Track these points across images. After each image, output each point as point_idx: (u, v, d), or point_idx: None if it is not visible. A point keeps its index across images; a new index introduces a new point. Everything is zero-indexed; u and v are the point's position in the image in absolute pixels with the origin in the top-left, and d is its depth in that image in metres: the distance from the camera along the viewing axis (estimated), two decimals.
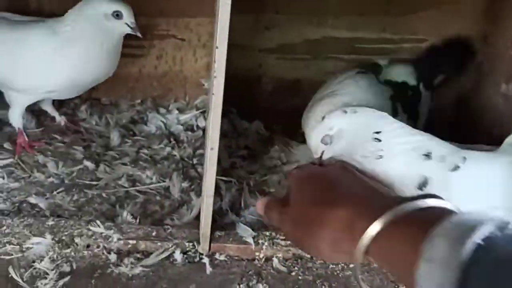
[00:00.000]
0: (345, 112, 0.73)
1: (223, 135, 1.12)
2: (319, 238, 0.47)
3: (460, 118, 1.23)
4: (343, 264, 0.80)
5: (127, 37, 0.98)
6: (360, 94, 0.90)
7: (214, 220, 0.86)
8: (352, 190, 0.50)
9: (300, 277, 0.77)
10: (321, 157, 0.73)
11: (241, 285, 0.74)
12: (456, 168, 0.69)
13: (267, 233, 0.82)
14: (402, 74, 1.01)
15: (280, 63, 1.21)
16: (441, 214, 0.38)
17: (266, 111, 1.18)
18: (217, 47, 0.64)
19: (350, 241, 0.43)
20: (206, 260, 0.77)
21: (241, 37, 1.16)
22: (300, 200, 0.51)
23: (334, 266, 0.80)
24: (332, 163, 0.62)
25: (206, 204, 0.75)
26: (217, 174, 0.98)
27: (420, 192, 0.69)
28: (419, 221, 0.39)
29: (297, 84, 1.22)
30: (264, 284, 0.75)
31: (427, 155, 0.69)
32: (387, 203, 0.43)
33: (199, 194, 0.89)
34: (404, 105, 0.95)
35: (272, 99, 1.21)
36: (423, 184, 0.69)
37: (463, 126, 1.19)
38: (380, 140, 0.70)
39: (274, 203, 0.56)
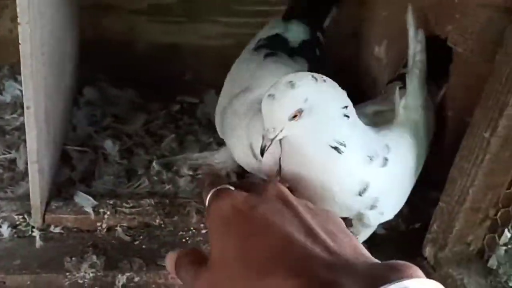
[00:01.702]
0: (315, 79, 0.57)
1: (87, 103, 1.05)
2: None
3: (343, 83, 1.22)
4: (194, 230, 0.76)
5: None
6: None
7: (59, 192, 0.80)
8: (301, 245, 0.32)
9: (144, 246, 0.72)
10: (264, 147, 0.57)
11: (73, 258, 0.67)
12: (385, 162, 0.64)
13: (111, 202, 0.75)
14: (300, 32, 0.91)
15: (153, 26, 1.13)
16: None
17: (140, 78, 1.11)
18: None
19: None
20: (36, 233, 0.70)
21: None
22: (221, 260, 0.35)
23: (183, 233, 0.75)
24: (263, 188, 0.39)
25: (31, 172, 0.67)
26: (72, 144, 0.92)
27: (359, 199, 0.64)
28: None
29: (173, 49, 1.16)
30: (101, 256, 0.69)
31: (371, 158, 0.62)
32: (356, 279, 0.30)
33: None
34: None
35: (147, 65, 1.13)
36: (363, 191, 0.63)
37: (348, 90, 1.18)
38: (348, 117, 0.59)
39: (186, 261, 0.38)
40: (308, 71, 0.81)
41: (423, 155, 0.75)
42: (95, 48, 1.06)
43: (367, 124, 0.71)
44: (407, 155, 0.70)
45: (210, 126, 1.05)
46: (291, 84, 0.56)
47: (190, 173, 0.89)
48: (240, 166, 0.90)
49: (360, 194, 0.63)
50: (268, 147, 0.59)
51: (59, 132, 0.83)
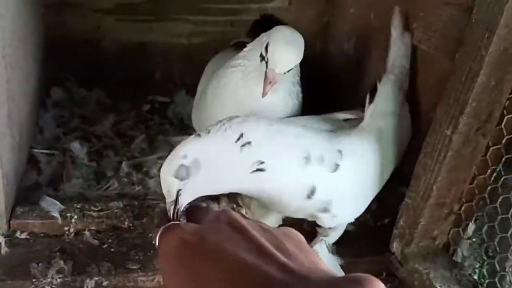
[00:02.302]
0: (199, 136, 0.60)
1: (55, 104, 1.03)
2: None
3: (313, 80, 1.22)
4: None
5: None
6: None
7: (25, 196, 0.78)
8: (256, 268, 0.32)
9: (113, 249, 0.71)
10: (177, 200, 0.57)
11: (40, 264, 0.67)
12: (336, 168, 0.65)
13: (78, 206, 0.75)
14: None
15: (121, 25, 1.12)
16: None
17: (108, 77, 1.10)
18: None
19: None
20: (2, 239, 0.69)
21: None
22: None
23: (152, 234, 0.75)
24: (214, 217, 0.38)
25: None
26: (39, 147, 0.90)
27: (309, 201, 0.65)
28: None
29: (141, 47, 1.15)
30: (69, 261, 0.68)
31: (307, 158, 0.63)
32: None
33: None
34: None
35: (115, 64, 1.12)
36: (311, 193, 0.64)
37: (317, 87, 1.19)
38: (250, 143, 0.60)
39: None
40: None
41: (390, 161, 0.76)
42: (61, 48, 1.05)
43: (337, 127, 0.72)
44: (366, 161, 0.70)
45: (181, 126, 1.04)
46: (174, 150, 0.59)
47: None
48: None
49: (309, 197, 0.65)
50: (175, 211, 0.57)
51: (25, 136, 0.82)
